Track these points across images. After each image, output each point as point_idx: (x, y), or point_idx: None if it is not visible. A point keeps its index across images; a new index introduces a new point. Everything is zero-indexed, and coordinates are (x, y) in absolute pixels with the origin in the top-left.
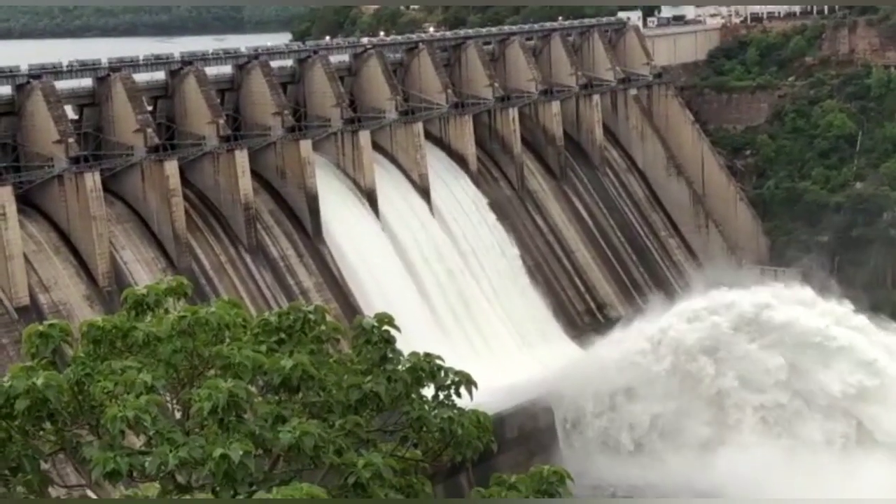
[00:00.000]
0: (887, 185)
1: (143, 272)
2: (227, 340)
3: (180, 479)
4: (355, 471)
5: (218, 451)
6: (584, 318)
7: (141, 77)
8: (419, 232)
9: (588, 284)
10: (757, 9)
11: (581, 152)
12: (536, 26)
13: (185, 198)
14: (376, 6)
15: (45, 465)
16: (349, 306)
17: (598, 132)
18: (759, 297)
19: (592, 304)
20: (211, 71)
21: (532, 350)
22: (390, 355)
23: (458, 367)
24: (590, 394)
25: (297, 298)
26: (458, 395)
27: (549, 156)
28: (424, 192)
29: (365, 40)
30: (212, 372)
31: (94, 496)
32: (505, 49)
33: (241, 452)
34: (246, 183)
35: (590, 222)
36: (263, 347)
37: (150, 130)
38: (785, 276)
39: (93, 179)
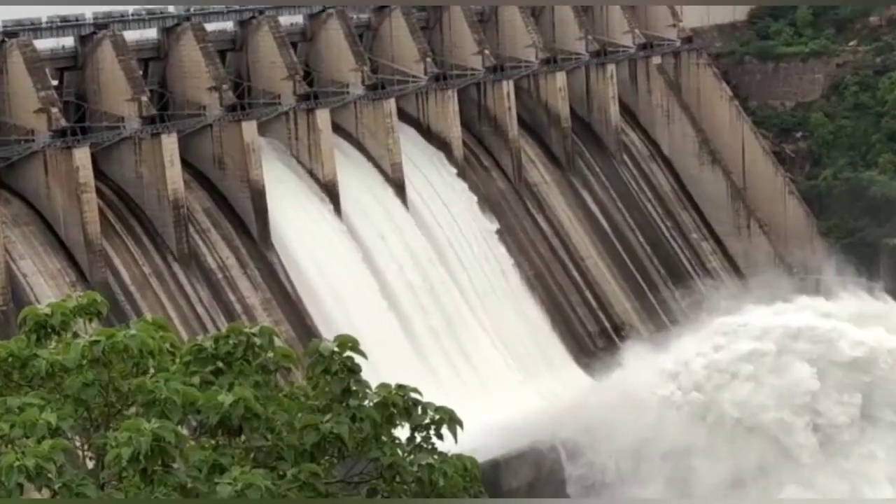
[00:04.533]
0: None
1: (47, 287)
2: (152, 371)
3: None
4: None
5: None
6: (596, 340)
7: (44, 44)
8: (391, 235)
9: (601, 299)
10: None
11: (592, 136)
12: None
13: (100, 194)
14: None
15: None
16: (304, 328)
17: (614, 111)
18: (814, 317)
19: (607, 324)
20: (131, 36)
21: (533, 380)
22: (354, 388)
23: (439, 403)
24: (604, 437)
25: (239, 318)
26: (440, 436)
27: (552, 140)
28: (398, 186)
29: None
30: (132, 410)
31: None
32: (497, 8)
33: None
34: (175, 175)
35: (603, 222)
36: (196, 379)
37: (54, 110)
38: (846, 289)
39: None
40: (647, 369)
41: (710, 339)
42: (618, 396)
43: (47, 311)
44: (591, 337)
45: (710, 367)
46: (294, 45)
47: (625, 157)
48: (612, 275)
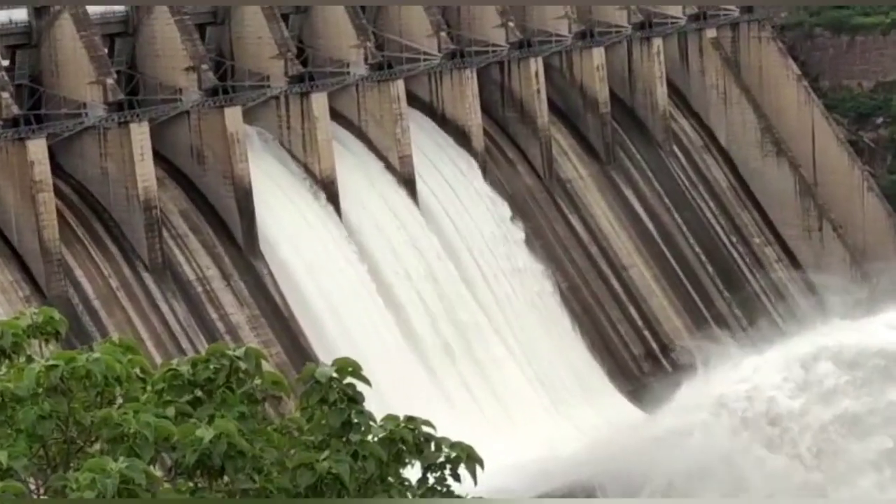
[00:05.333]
0: None
1: None
2: (119, 401)
3: None
4: None
5: None
6: (642, 364)
7: None
8: (400, 240)
9: (648, 315)
10: None
11: (636, 122)
12: None
13: (58, 193)
14: None
15: None
16: (297, 349)
17: (661, 93)
18: None
19: (654, 345)
20: (95, 9)
21: (567, 411)
22: (356, 420)
23: (456, 437)
24: (652, 479)
25: (222, 339)
26: (457, 477)
27: (588, 128)
28: (407, 183)
29: None
30: (96, 447)
31: None
32: None
33: None
34: (146, 171)
35: (649, 225)
36: (171, 410)
37: (5, 95)
38: None
39: None
40: (703, 399)
41: (781, 363)
42: (668, 431)
43: None
44: (636, 360)
45: (783, 398)
46: (285, 17)
47: (674, 147)
48: (659, 286)
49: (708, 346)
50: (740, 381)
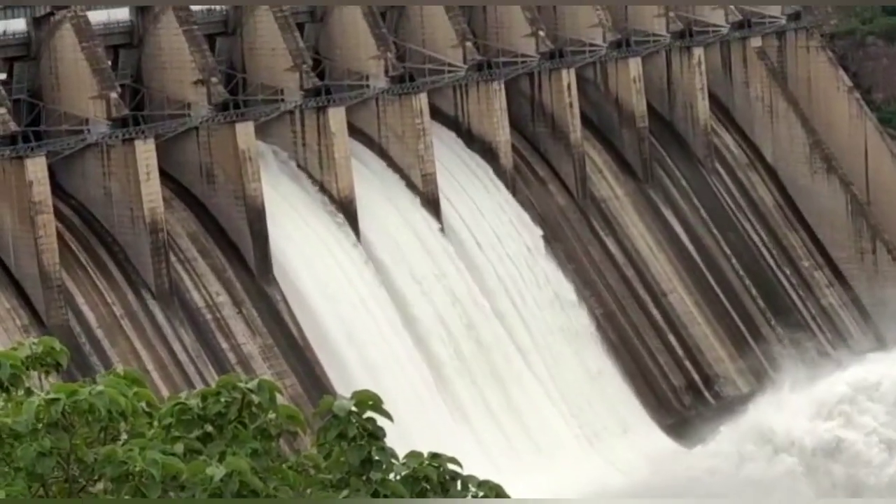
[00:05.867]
0: None
1: None
2: (124, 437)
3: None
4: None
5: None
6: (683, 397)
7: None
8: (423, 265)
9: (689, 344)
10: None
11: (675, 138)
12: None
13: (59, 215)
14: None
15: None
16: (313, 381)
17: (703, 106)
18: None
19: (696, 376)
20: (98, 17)
21: (601, 447)
22: (377, 457)
23: (484, 475)
24: None
25: (233, 370)
26: None
27: (625, 144)
28: (431, 203)
29: None
30: (100, 486)
31: None
32: None
33: None
34: (153, 190)
35: (690, 247)
36: (179, 447)
37: (2, 111)
38: None
39: None
40: (749, 435)
41: (831, 394)
42: (711, 469)
43: None
44: (676, 392)
45: (837, 436)
46: (300, 26)
47: (716, 164)
48: (701, 313)
49: (753, 376)
50: (788, 414)
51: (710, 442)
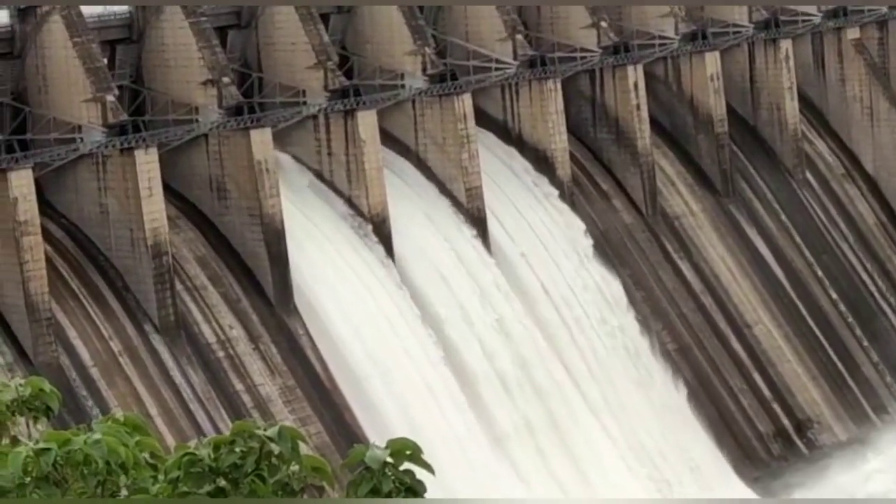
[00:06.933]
0: None
1: None
2: (124, 492)
3: None
4: None
5: None
6: (770, 444)
7: None
8: (467, 292)
9: (778, 384)
10: None
11: (760, 145)
12: None
13: (47, 237)
14: None
15: None
16: (342, 428)
17: (791, 108)
18: None
19: (786, 421)
20: (92, 10)
21: (677, 501)
22: None
23: None
24: None
25: (249, 415)
26: None
27: (701, 152)
28: (477, 221)
29: None
30: None
31: None
32: None
33: None
34: (156, 208)
35: (778, 271)
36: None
37: None
38: None
39: None
40: (848, 487)
41: None
42: None
43: None
44: (763, 439)
45: None
46: (325, 18)
47: (808, 174)
48: (791, 348)
49: (853, 422)
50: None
51: (803, 498)
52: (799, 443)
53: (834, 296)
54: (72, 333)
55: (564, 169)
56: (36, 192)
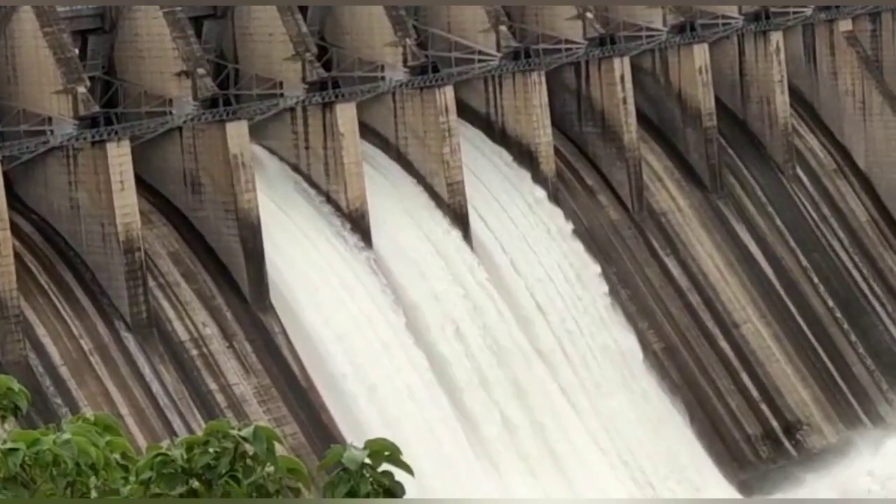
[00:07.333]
0: None
1: None
2: (94, 493)
3: None
4: None
5: None
6: (759, 446)
7: None
8: (448, 291)
9: (766, 385)
10: None
11: (749, 139)
12: None
13: (16, 232)
14: None
15: None
16: (319, 429)
17: (781, 102)
18: None
19: (774, 423)
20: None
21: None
22: None
23: None
24: None
25: (223, 414)
26: None
27: (689, 146)
28: (458, 217)
29: None
30: None
31: None
32: None
33: None
34: (128, 202)
35: (767, 269)
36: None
37: None
38: None
39: None
40: (833, 492)
41: None
42: None
43: None
44: (751, 441)
45: None
46: (303, 9)
47: (798, 170)
48: (780, 347)
49: (844, 423)
50: (883, 469)
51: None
52: (788, 445)
53: (824, 294)
54: (41, 331)
55: (549, 164)
56: (4, 186)
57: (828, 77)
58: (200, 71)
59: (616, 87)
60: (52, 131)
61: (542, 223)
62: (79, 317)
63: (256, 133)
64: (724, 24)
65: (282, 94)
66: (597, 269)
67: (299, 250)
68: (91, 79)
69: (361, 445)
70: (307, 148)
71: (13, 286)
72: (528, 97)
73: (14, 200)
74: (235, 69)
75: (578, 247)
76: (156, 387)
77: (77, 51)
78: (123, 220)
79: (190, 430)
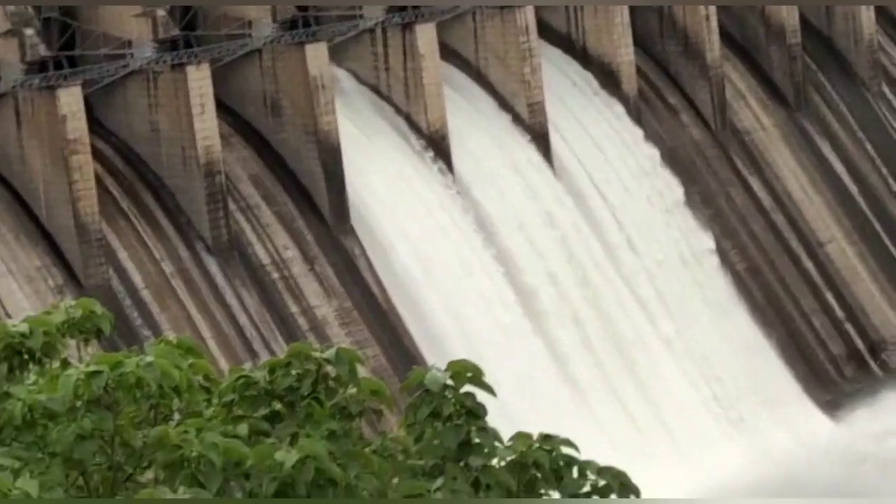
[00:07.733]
0: None
1: (21, 294)
2: (177, 416)
3: None
4: None
5: None
6: (844, 367)
7: None
8: (529, 211)
9: (851, 305)
10: None
11: (834, 56)
12: None
13: (97, 155)
14: None
15: None
16: (400, 351)
17: (867, 17)
18: None
19: (860, 343)
20: None
21: (747, 429)
22: (477, 440)
23: (604, 461)
24: None
25: (305, 338)
26: None
27: (773, 64)
28: (539, 138)
29: None
30: (149, 474)
31: None
32: None
33: None
34: (208, 126)
35: (852, 188)
36: (243, 428)
37: (29, 33)
38: None
39: None
40: None
41: None
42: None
43: (23, 329)
44: (836, 362)
45: None
46: None
47: (884, 87)
48: (866, 267)
49: None
50: None
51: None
52: (873, 364)
53: None
54: (122, 255)
55: (630, 83)
56: (85, 110)
57: None
58: None
59: (700, 6)
60: (131, 55)
61: (622, 142)
62: (160, 240)
63: (336, 55)
64: None
65: (361, 16)
66: (681, 188)
67: (380, 172)
68: (170, 7)
69: (443, 367)
70: (387, 69)
71: (95, 210)
72: (609, 16)
73: (94, 124)
74: None
75: (661, 165)
76: (237, 310)
77: None
78: (204, 143)
79: (271, 353)
